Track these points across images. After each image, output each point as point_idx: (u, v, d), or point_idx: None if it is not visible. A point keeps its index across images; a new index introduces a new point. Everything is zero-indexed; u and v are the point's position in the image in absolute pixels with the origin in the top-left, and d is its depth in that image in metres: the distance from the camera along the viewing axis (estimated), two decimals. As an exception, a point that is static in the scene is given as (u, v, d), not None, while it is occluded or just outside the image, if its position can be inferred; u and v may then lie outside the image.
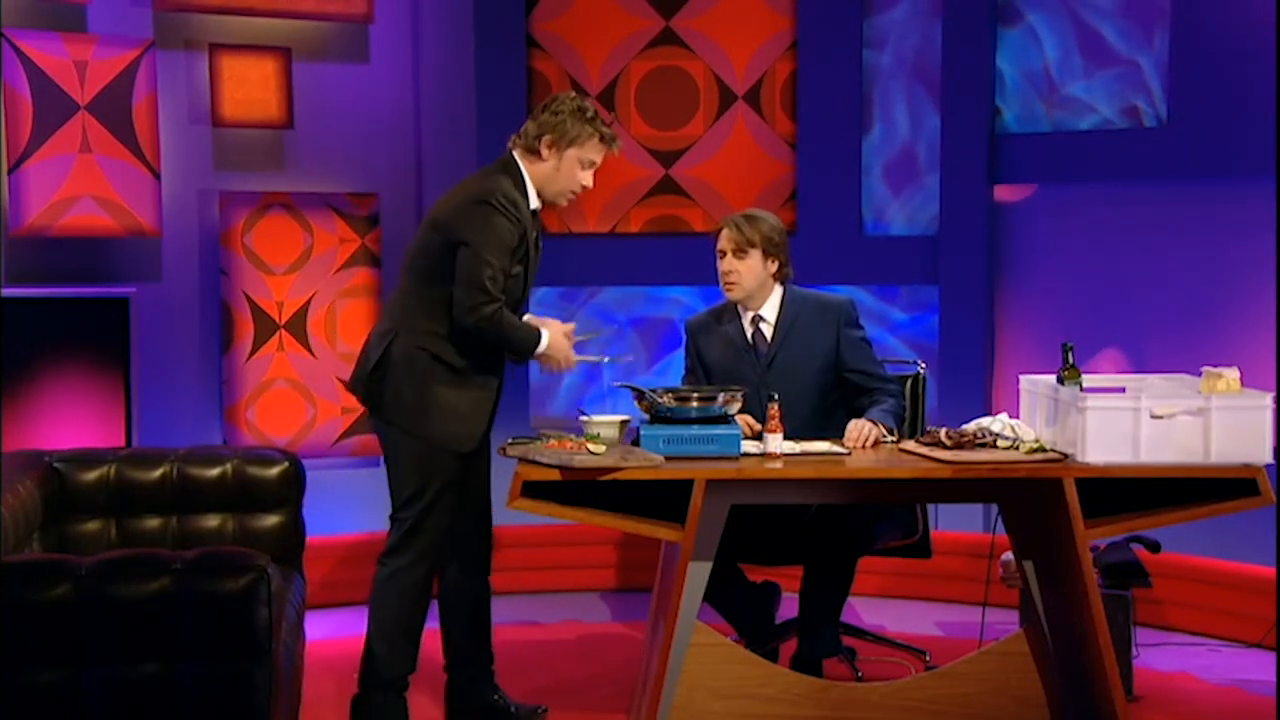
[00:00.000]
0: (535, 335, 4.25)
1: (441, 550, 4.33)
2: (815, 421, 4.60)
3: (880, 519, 4.63)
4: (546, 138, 4.28)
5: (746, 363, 4.67)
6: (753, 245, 4.63)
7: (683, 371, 4.90)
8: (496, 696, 4.47)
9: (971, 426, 4.32)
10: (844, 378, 4.67)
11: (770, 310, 4.70)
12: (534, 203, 4.32)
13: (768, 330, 4.70)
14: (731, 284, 4.66)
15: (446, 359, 4.21)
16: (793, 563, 4.70)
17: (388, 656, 4.30)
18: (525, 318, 4.37)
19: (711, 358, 4.72)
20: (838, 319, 4.68)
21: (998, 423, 4.33)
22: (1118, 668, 4.12)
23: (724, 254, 4.66)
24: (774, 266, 4.67)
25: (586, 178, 4.35)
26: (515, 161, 4.32)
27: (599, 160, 4.35)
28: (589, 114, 4.31)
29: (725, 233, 4.68)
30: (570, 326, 4.37)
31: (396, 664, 4.31)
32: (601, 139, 4.32)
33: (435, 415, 4.20)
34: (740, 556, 4.61)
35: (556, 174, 4.31)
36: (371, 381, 4.27)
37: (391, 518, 4.30)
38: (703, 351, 4.76)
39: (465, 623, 4.45)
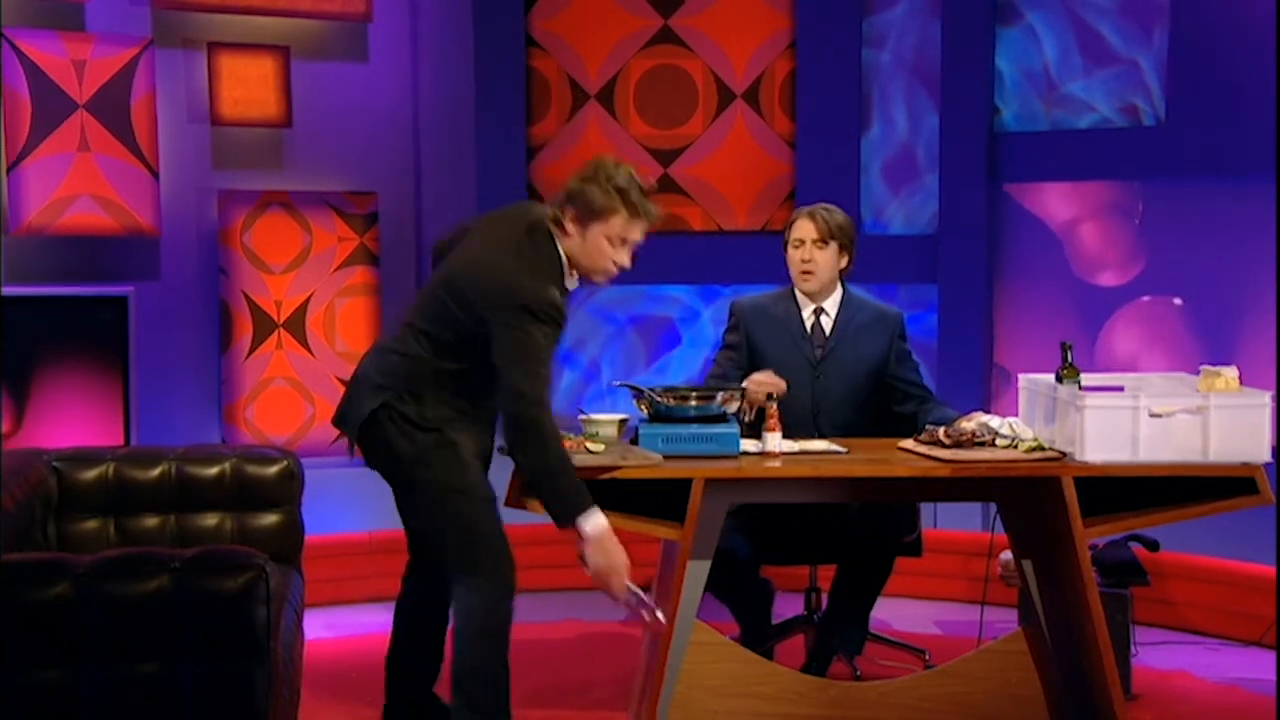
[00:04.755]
0: (587, 502, 3.76)
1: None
2: (856, 421, 4.67)
3: (910, 518, 4.68)
4: (570, 210, 3.83)
5: (801, 351, 4.67)
6: (832, 237, 4.67)
7: (717, 348, 4.89)
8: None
9: (972, 424, 4.31)
10: (888, 384, 4.72)
11: (832, 305, 4.74)
12: (571, 284, 3.91)
13: (827, 324, 4.73)
14: (809, 273, 4.67)
15: (451, 435, 3.86)
16: (824, 561, 4.76)
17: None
18: None
19: (763, 340, 4.71)
20: (893, 329, 4.75)
21: (996, 420, 4.34)
22: (1116, 666, 4.11)
23: (801, 243, 4.66)
24: (844, 261, 4.72)
25: (622, 255, 3.85)
26: (549, 234, 3.86)
27: (635, 237, 3.86)
28: (618, 183, 3.80)
29: (804, 223, 4.67)
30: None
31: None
32: (631, 213, 3.81)
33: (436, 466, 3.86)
34: (768, 557, 4.63)
35: (583, 250, 3.85)
36: (363, 435, 3.91)
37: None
38: (753, 332, 4.73)
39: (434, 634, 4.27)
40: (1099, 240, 6.19)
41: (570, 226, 3.83)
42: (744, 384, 4.46)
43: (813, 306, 4.74)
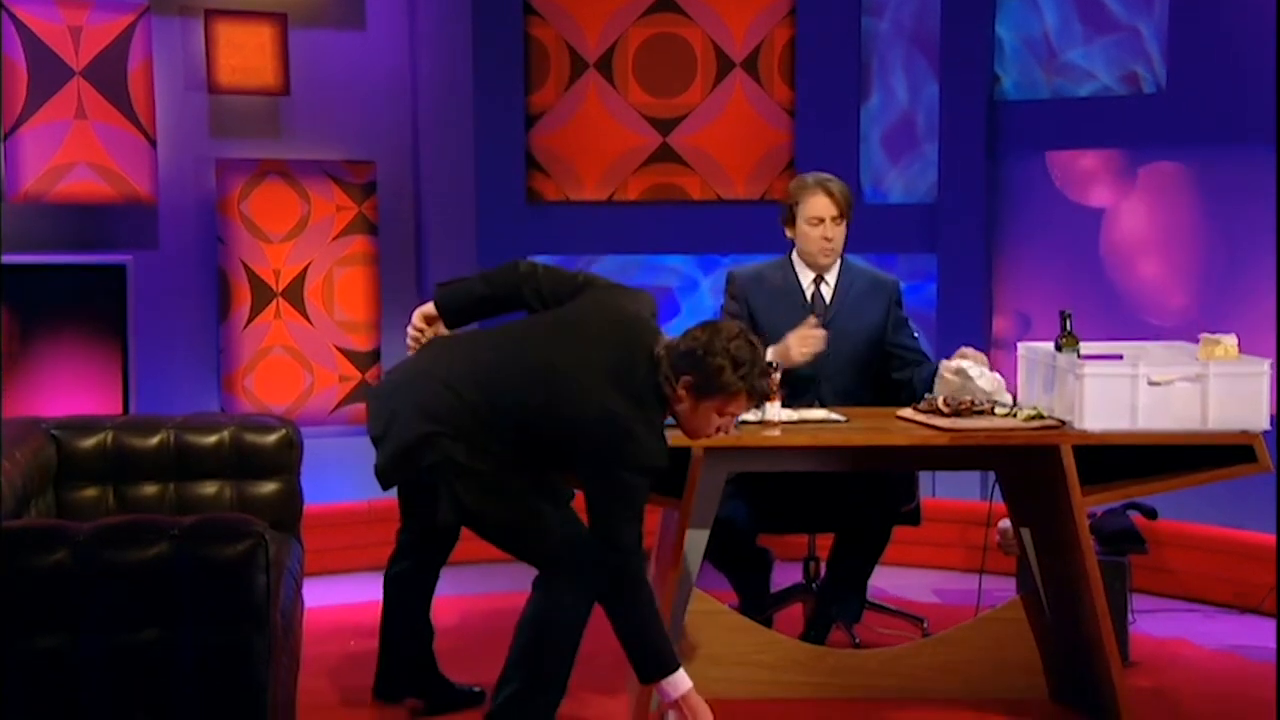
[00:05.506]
0: (674, 662, 3.66)
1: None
2: (857, 389, 4.67)
3: (908, 487, 4.70)
4: (686, 379, 3.58)
5: (803, 320, 4.66)
6: (849, 209, 4.68)
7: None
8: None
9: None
10: (887, 351, 4.73)
11: (832, 274, 4.75)
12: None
13: (827, 292, 4.74)
14: (831, 250, 4.68)
15: (503, 480, 3.65)
16: (823, 529, 4.78)
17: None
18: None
19: (763, 310, 4.70)
20: (889, 295, 4.76)
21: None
22: (1114, 634, 4.12)
23: (821, 221, 4.64)
24: (847, 231, 4.73)
25: (726, 424, 3.70)
26: (663, 394, 3.62)
27: (739, 414, 3.73)
28: (743, 367, 3.56)
29: (822, 200, 4.64)
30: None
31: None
32: (750, 395, 3.63)
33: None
34: (767, 525, 4.64)
35: (690, 416, 3.65)
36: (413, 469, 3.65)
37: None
38: (752, 301, 4.72)
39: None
40: (1098, 208, 6.17)
41: (683, 393, 3.60)
42: (773, 358, 4.37)
43: (812, 275, 4.74)
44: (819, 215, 4.65)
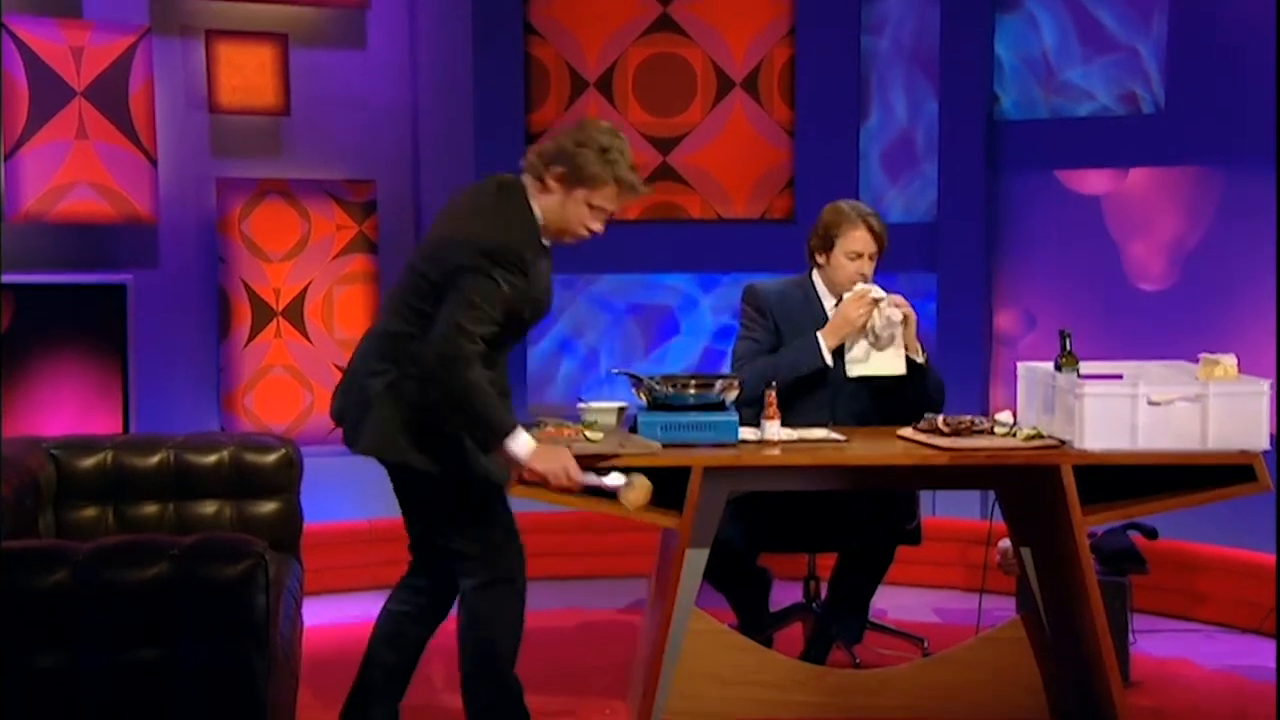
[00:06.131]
0: (510, 423, 3.66)
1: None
2: (872, 409, 4.66)
3: (908, 506, 4.69)
4: (557, 169, 3.71)
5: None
6: (887, 244, 4.68)
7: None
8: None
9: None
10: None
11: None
12: (547, 238, 3.80)
13: None
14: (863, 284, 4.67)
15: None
16: (824, 549, 4.78)
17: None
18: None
19: (785, 326, 4.68)
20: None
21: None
22: (1115, 654, 4.12)
23: (859, 256, 4.63)
24: None
25: (595, 223, 3.77)
26: (522, 190, 3.77)
27: (610, 208, 3.78)
28: (611, 154, 3.71)
29: (865, 236, 4.62)
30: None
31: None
32: (620, 187, 3.74)
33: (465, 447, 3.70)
34: (767, 544, 4.64)
35: (561, 211, 3.74)
36: (367, 420, 3.74)
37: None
38: (776, 317, 4.70)
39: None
40: (1098, 228, 6.18)
41: (553, 184, 3.72)
42: (826, 335, 4.52)
43: (834, 299, 4.72)
44: (859, 250, 4.63)
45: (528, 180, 3.77)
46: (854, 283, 4.65)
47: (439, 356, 3.58)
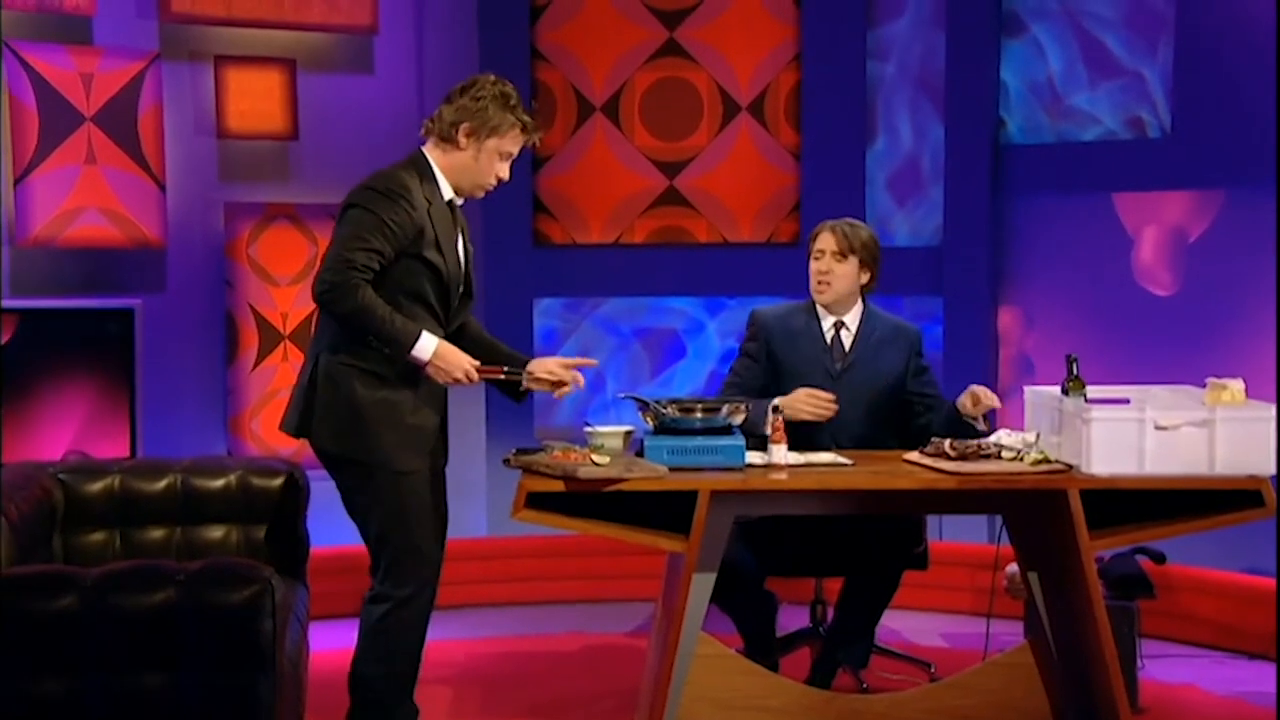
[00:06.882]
0: (413, 330, 3.79)
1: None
2: (873, 435, 4.67)
3: (915, 530, 4.68)
4: (465, 125, 3.93)
5: (822, 364, 4.68)
6: (853, 251, 4.68)
7: (725, 359, 4.89)
8: None
9: (990, 439, 4.32)
10: (906, 399, 4.74)
11: (853, 319, 4.75)
12: (447, 193, 3.98)
13: (847, 338, 4.74)
14: (825, 285, 4.69)
15: (374, 369, 3.86)
16: (831, 573, 4.76)
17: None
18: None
19: (783, 352, 4.71)
20: (911, 344, 4.78)
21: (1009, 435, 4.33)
22: (1123, 679, 4.10)
23: (822, 254, 4.69)
24: (865, 277, 4.73)
25: (504, 169, 4.01)
26: (423, 156, 3.98)
27: (516, 151, 4.01)
28: (511, 101, 3.95)
29: (826, 235, 4.70)
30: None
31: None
32: (523, 129, 3.97)
33: (370, 429, 3.86)
34: (774, 568, 4.63)
35: (474, 165, 3.96)
36: (304, 410, 3.93)
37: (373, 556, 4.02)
38: (773, 343, 4.74)
39: None
40: (1104, 252, 6.18)
41: (464, 140, 3.93)
42: (781, 405, 4.44)
43: (833, 320, 4.74)
44: (820, 249, 4.70)
45: (429, 147, 3.99)
46: (816, 286, 4.69)
47: (328, 285, 3.75)
